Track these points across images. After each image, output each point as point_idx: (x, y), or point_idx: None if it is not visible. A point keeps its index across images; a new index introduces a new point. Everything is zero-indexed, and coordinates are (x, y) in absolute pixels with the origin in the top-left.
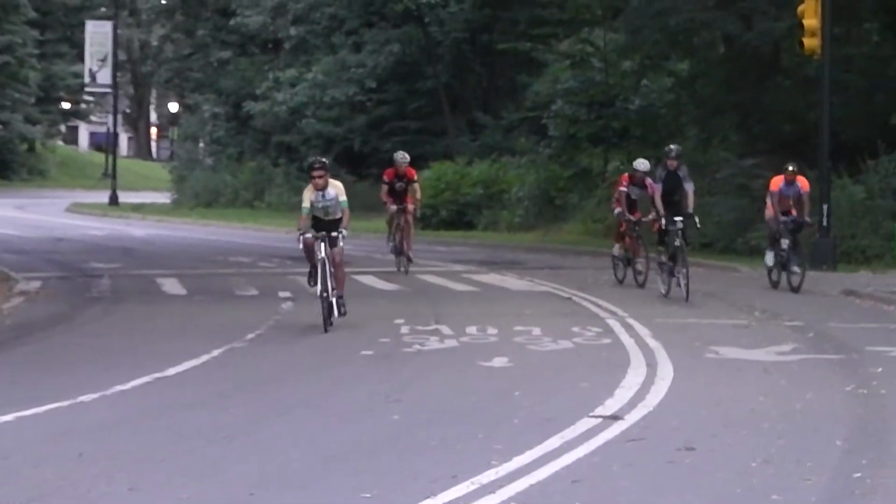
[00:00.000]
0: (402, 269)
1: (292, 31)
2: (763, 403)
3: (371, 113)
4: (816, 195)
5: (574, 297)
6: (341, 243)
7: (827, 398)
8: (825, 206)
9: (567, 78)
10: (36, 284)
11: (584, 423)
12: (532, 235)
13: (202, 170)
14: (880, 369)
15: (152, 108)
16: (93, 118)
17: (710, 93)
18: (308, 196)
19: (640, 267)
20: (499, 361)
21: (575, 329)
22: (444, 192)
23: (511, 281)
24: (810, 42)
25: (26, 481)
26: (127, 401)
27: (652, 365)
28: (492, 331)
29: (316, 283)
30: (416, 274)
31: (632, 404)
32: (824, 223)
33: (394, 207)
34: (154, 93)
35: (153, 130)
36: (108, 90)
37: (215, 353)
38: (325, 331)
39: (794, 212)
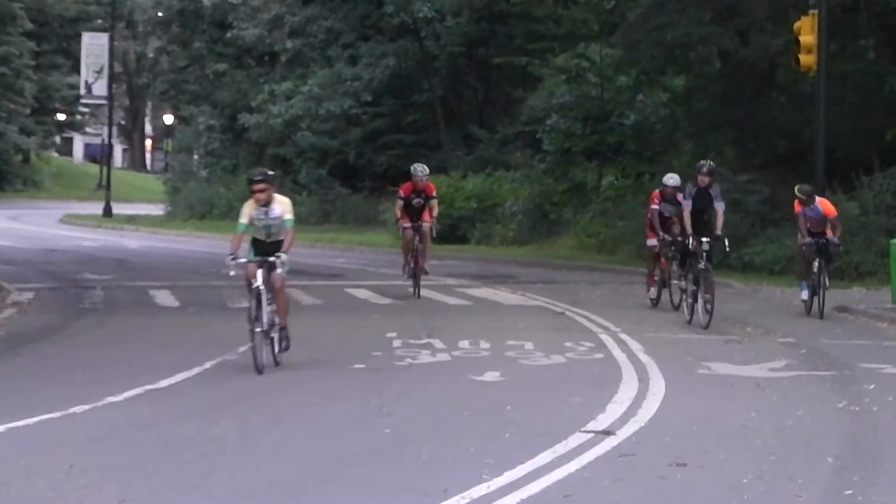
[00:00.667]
0: (417, 293)
1: (288, 43)
2: (755, 419)
3: (366, 126)
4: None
5: (567, 312)
6: (280, 270)
7: (819, 415)
8: None
9: (562, 92)
10: (28, 295)
11: (576, 438)
12: (526, 250)
13: (196, 182)
14: (872, 386)
15: (147, 119)
16: (88, 129)
17: (706, 108)
18: (247, 212)
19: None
20: (491, 376)
21: (567, 344)
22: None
23: (504, 295)
24: (806, 58)
25: (17, 492)
26: (119, 412)
27: (644, 380)
28: (484, 345)
29: (258, 318)
30: (409, 288)
31: (623, 419)
32: None
33: (409, 228)
34: (149, 104)
35: (148, 142)
36: (104, 102)
37: (207, 365)
38: (259, 372)
39: (829, 233)
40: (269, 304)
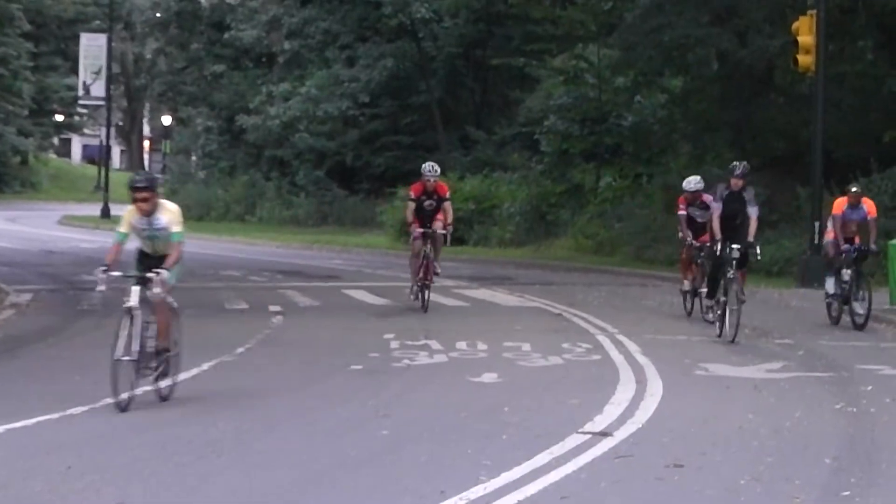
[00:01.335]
0: (424, 307)
1: (286, 45)
2: (752, 421)
3: (364, 127)
4: (808, 212)
5: (564, 314)
6: (158, 289)
7: (816, 416)
8: (817, 224)
9: (560, 94)
10: (27, 297)
11: (574, 440)
12: (523, 251)
13: (194, 183)
14: (870, 387)
15: (145, 121)
16: (86, 131)
17: (704, 109)
18: (127, 219)
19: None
20: (488, 377)
21: (565, 345)
22: None
23: (502, 296)
24: (804, 59)
25: (15, 494)
26: (116, 414)
27: (641, 381)
28: (481, 346)
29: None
30: (406, 289)
31: (621, 421)
32: (816, 241)
33: (419, 238)
34: (147, 106)
35: (146, 144)
36: (102, 103)
37: (205, 366)
38: (121, 410)
39: (857, 239)
40: (145, 329)
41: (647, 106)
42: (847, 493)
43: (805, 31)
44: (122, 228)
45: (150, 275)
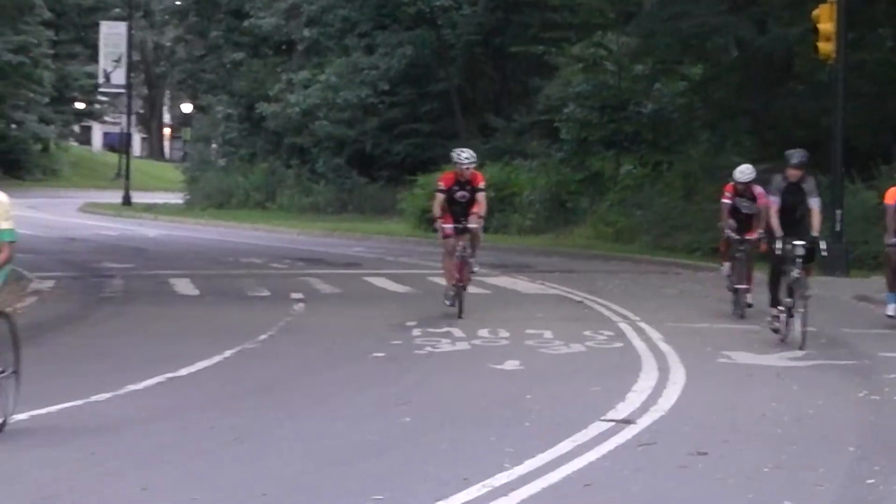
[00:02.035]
0: (460, 313)
1: (305, 32)
2: (775, 409)
3: (383, 115)
4: (829, 200)
5: (585, 301)
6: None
7: (839, 404)
8: (838, 212)
9: (579, 81)
10: (49, 284)
11: (596, 427)
12: (543, 239)
13: (214, 171)
14: (893, 375)
15: (165, 108)
16: (106, 118)
17: (723, 97)
18: None
19: (748, 299)
20: (510, 364)
21: (587, 333)
22: None
23: (522, 284)
24: (825, 46)
25: (39, 480)
26: (139, 401)
27: (664, 369)
28: (503, 334)
29: None
30: (427, 276)
31: (644, 408)
32: (837, 229)
33: (451, 236)
34: (167, 94)
35: (166, 131)
36: (122, 91)
37: (227, 353)
38: None
39: None
40: None
41: (666, 94)
42: (871, 480)
43: (825, 18)
44: None
45: None
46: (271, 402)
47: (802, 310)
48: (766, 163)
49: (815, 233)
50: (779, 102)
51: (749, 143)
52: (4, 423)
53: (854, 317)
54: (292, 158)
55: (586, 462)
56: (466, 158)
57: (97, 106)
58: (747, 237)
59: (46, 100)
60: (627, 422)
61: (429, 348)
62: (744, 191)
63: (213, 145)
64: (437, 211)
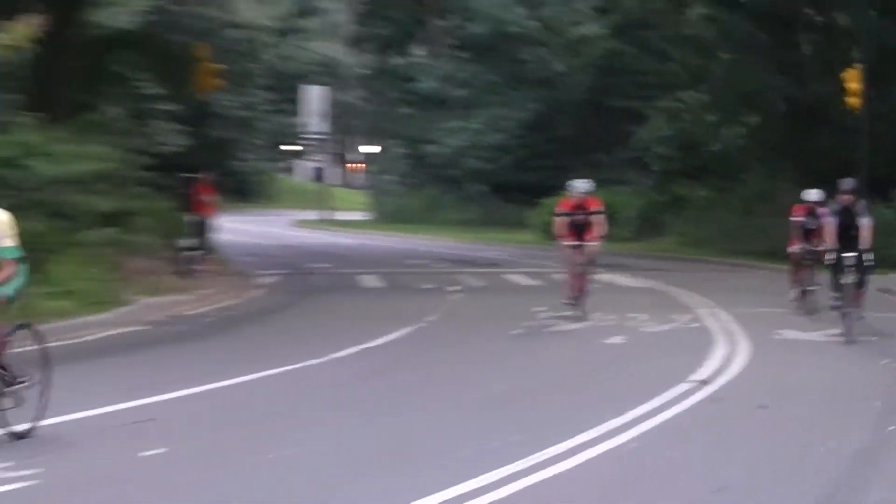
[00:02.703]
0: (584, 315)
1: (458, 92)
2: (818, 374)
3: (516, 153)
4: None
5: (671, 292)
6: None
7: (867, 370)
8: None
9: (664, 127)
10: (269, 280)
11: (680, 388)
12: (637, 245)
13: (391, 196)
14: None
15: (354, 149)
16: (310, 157)
17: (772, 139)
18: None
19: (813, 296)
20: (616, 339)
21: (672, 316)
22: None
23: (622, 279)
24: (852, 100)
25: (265, 423)
26: (343, 365)
27: (732, 343)
28: (611, 316)
29: None
30: (552, 274)
31: (716, 373)
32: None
33: (568, 247)
34: (355, 138)
35: (355, 166)
36: (323, 137)
37: (407, 330)
38: None
39: None
40: None
41: (729, 136)
42: (892, 427)
43: (852, 79)
44: None
45: None
46: (441, 364)
47: (850, 310)
48: (808, 186)
49: (863, 246)
50: (816, 142)
51: (792, 174)
52: (32, 429)
53: (878, 304)
54: (448, 186)
55: (673, 413)
56: (576, 189)
57: (303, 147)
58: (813, 248)
59: (264, 143)
60: (704, 383)
61: (554, 327)
62: (812, 211)
63: (391, 176)
64: (556, 230)
